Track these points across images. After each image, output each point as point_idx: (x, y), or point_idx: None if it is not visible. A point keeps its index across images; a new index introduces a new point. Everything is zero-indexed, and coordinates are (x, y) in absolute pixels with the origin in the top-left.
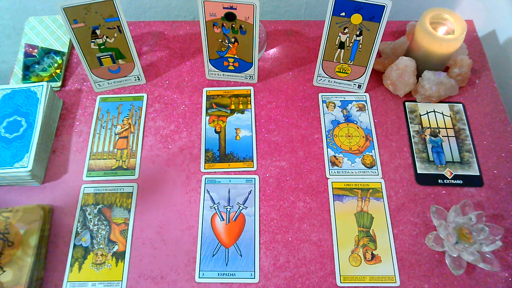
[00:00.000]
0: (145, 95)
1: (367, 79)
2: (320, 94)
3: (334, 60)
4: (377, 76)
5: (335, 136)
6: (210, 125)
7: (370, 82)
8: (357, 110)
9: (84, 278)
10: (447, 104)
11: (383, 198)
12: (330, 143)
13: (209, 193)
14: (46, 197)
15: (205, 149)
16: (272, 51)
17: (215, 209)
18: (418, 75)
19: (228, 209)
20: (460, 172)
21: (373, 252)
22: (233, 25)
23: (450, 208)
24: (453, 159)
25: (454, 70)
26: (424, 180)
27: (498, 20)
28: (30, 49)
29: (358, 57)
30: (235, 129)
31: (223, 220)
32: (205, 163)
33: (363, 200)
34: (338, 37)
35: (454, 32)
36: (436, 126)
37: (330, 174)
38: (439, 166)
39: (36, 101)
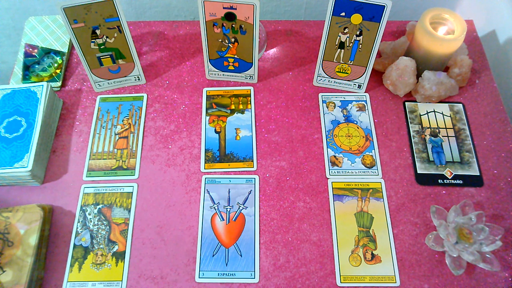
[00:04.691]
0: (145, 95)
1: (367, 79)
2: (320, 94)
3: (334, 60)
4: (377, 76)
5: (335, 136)
6: (210, 125)
7: (370, 82)
8: (357, 110)
9: (84, 278)
10: (447, 104)
11: (383, 198)
12: (330, 143)
13: (209, 193)
14: (46, 197)
15: (205, 149)
16: (272, 51)
17: (215, 209)
18: (418, 75)
19: (228, 209)
20: (460, 172)
21: (373, 252)
22: (233, 25)
23: (450, 208)
24: (453, 159)
25: (454, 70)
26: (424, 180)
27: (498, 20)
28: (30, 49)
29: (358, 57)
30: (235, 129)
31: (223, 220)
32: (205, 163)
33: (363, 200)
34: (338, 37)
35: (454, 32)
36: (436, 126)
37: (330, 174)
38: (439, 166)
39: (36, 101)
